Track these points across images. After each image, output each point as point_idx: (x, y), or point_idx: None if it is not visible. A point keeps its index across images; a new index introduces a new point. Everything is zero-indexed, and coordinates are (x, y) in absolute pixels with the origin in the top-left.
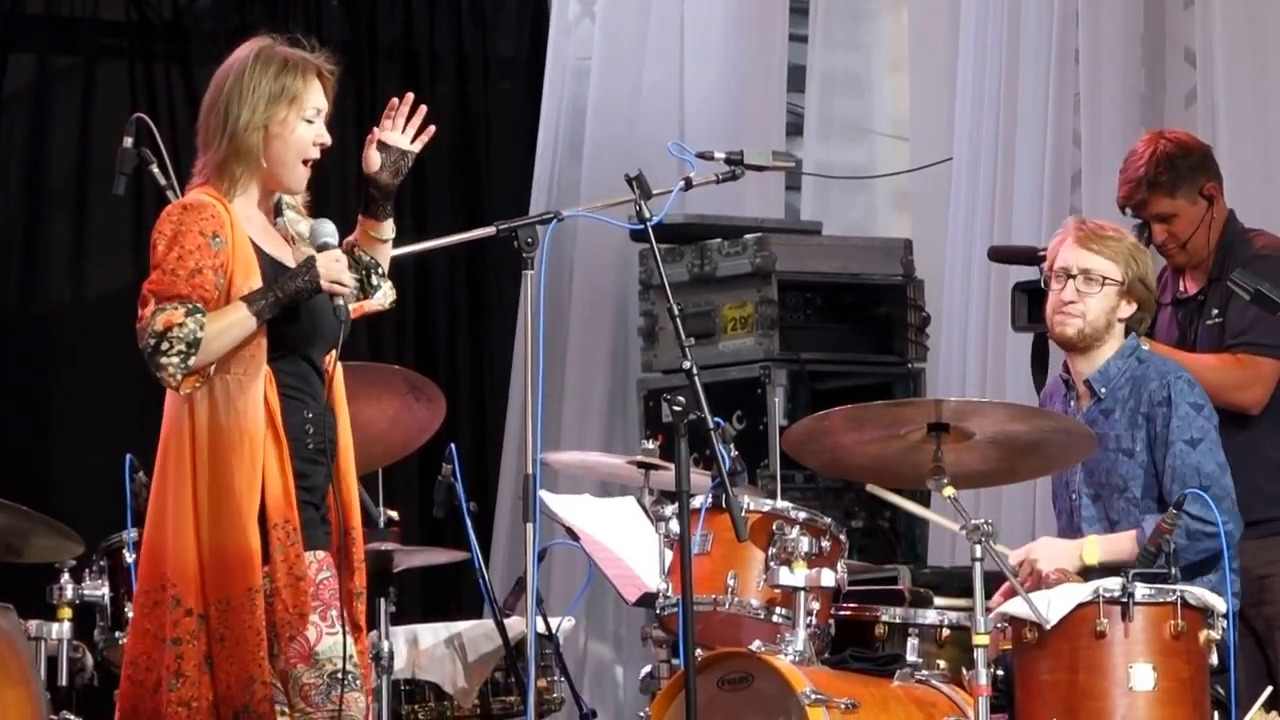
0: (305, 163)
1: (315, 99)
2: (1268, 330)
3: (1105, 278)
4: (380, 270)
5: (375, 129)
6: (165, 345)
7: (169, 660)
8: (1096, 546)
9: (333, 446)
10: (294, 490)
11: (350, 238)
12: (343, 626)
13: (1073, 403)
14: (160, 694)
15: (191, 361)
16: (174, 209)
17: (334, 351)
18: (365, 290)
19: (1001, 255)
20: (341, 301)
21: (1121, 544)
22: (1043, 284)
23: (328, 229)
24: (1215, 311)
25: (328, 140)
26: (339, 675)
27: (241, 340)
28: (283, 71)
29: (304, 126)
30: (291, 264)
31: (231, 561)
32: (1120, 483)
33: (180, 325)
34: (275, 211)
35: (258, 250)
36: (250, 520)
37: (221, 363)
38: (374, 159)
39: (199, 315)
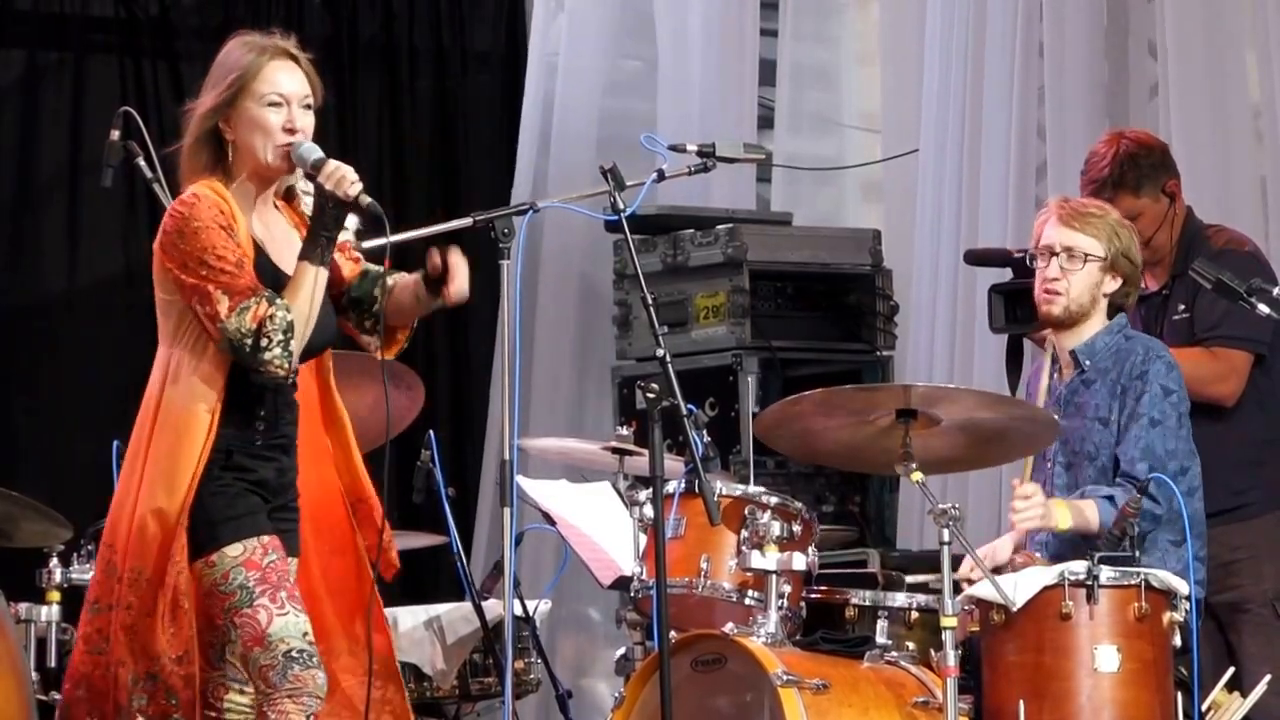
0: (280, 146)
1: (283, 84)
2: (1239, 322)
3: (1087, 254)
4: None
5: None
6: (265, 341)
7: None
8: (1067, 511)
9: (289, 441)
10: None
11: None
12: (294, 606)
13: (1055, 375)
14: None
15: (293, 345)
16: (184, 204)
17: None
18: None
19: (976, 258)
20: (367, 198)
21: (1085, 512)
22: (1029, 262)
23: (310, 150)
24: (1181, 307)
25: (297, 124)
26: (293, 654)
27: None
28: (241, 61)
29: (263, 111)
30: (288, 269)
31: (152, 533)
32: (1093, 450)
33: (271, 317)
34: (288, 197)
35: (257, 249)
36: (179, 495)
37: (192, 344)
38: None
39: (280, 300)
